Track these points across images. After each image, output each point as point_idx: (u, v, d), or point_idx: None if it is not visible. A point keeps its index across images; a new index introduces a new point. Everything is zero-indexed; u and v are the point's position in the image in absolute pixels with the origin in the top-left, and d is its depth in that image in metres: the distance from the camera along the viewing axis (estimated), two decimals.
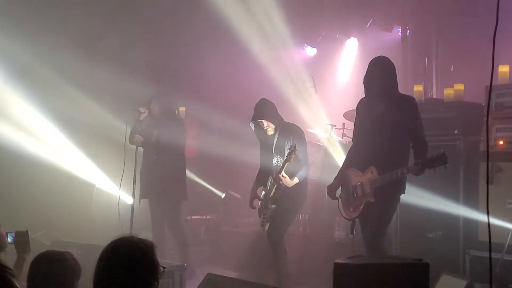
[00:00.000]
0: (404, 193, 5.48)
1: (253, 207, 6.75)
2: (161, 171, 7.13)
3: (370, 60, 5.65)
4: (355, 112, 5.93)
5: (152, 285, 2.67)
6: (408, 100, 5.56)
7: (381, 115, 5.41)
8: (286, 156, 6.21)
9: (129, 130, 7.11)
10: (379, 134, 5.41)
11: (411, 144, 5.42)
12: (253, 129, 6.77)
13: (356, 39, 10.13)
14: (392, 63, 5.53)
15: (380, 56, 5.64)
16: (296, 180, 6.40)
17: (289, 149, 6.22)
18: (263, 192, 6.69)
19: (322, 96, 9.63)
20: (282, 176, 6.27)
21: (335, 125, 8.63)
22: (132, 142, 7.11)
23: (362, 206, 5.42)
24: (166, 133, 7.13)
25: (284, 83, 9.86)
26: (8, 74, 8.62)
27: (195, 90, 10.45)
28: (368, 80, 5.51)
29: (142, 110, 7.11)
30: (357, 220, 5.62)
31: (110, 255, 2.68)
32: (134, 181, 6.88)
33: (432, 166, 4.94)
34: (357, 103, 5.84)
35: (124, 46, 9.76)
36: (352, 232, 5.57)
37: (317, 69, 10.09)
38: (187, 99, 10.04)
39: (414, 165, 5.10)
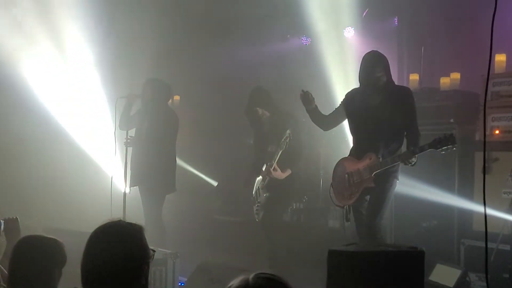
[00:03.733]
0: (398, 179, 5.49)
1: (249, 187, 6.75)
2: (150, 160, 6.94)
3: (365, 50, 5.68)
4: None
5: (142, 268, 2.62)
6: (404, 91, 5.63)
7: (378, 106, 5.47)
8: (281, 144, 6.19)
9: (118, 117, 7.00)
10: (375, 124, 5.44)
11: (405, 133, 5.45)
12: (248, 117, 6.75)
13: (352, 28, 10.07)
14: (385, 57, 5.57)
15: (373, 50, 5.69)
16: (288, 172, 6.40)
17: (284, 137, 6.20)
18: (257, 180, 6.67)
19: (317, 85, 9.59)
20: (273, 169, 6.28)
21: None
22: (122, 127, 7.01)
23: (359, 193, 5.44)
24: (157, 122, 6.97)
25: (280, 72, 9.82)
26: None
27: (190, 78, 10.40)
28: (364, 73, 5.52)
29: (133, 96, 6.96)
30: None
31: (97, 239, 2.64)
32: (126, 168, 6.79)
33: (440, 146, 4.94)
34: (349, 91, 5.85)
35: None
36: (347, 220, 5.57)
37: (312, 59, 10.05)
38: (183, 87, 10.01)
39: (420, 147, 5.11)
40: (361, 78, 5.59)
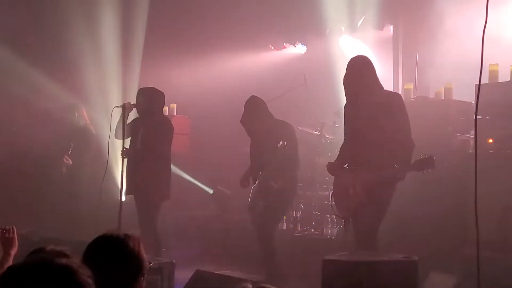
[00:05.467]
0: (395, 189, 5.50)
1: (245, 185, 6.82)
2: (144, 169, 6.94)
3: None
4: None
5: (138, 280, 2.65)
6: (394, 97, 5.54)
7: (369, 115, 5.40)
8: (276, 153, 6.23)
9: (113, 126, 7.00)
10: (368, 135, 5.41)
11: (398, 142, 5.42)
12: (244, 126, 6.78)
13: (348, 37, 10.12)
14: (371, 61, 5.51)
15: (357, 55, 5.63)
16: (282, 181, 6.43)
17: (279, 146, 6.23)
18: (253, 189, 6.70)
19: (312, 94, 9.63)
20: (269, 178, 6.32)
21: (325, 123, 8.62)
22: (118, 136, 7.01)
23: (354, 205, 5.44)
24: (152, 131, 6.97)
25: (275, 80, 9.86)
26: None
27: (187, 86, 10.44)
28: (349, 81, 5.48)
29: (127, 105, 6.95)
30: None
31: (95, 250, 2.66)
32: (122, 177, 6.79)
33: (419, 169, 4.97)
34: (344, 104, 5.84)
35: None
36: (346, 230, 5.59)
37: (307, 67, 10.09)
38: (179, 95, 10.05)
39: (402, 169, 5.13)
40: (344, 83, 5.56)
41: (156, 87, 7.20)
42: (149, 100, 7.00)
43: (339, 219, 6.06)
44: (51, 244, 3.43)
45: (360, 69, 5.42)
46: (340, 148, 5.89)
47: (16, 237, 4.01)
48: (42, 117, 9.21)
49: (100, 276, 2.58)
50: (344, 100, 5.85)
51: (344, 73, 5.49)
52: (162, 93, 7.15)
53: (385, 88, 5.62)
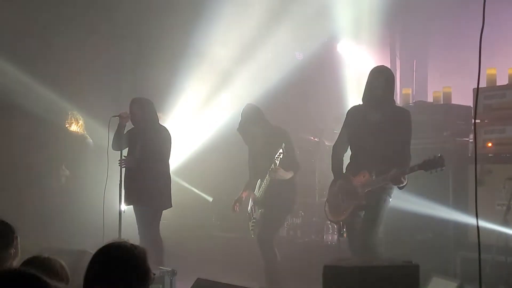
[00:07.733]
0: (391, 197, 5.50)
1: (235, 211, 6.88)
2: (144, 178, 6.88)
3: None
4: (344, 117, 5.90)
5: None
6: (404, 113, 5.58)
7: (378, 124, 5.42)
8: (274, 160, 6.22)
9: (111, 136, 6.97)
10: (373, 142, 5.42)
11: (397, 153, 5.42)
12: (241, 134, 6.78)
13: (345, 43, 10.13)
14: (393, 74, 5.53)
15: (382, 65, 5.64)
16: (290, 173, 6.42)
17: (278, 152, 6.23)
18: (252, 197, 6.70)
19: (311, 101, 9.64)
20: (277, 168, 6.27)
21: (324, 129, 8.64)
22: (114, 147, 6.99)
23: (351, 209, 5.44)
24: (150, 141, 6.92)
25: (273, 87, 9.86)
26: None
27: (186, 94, 10.45)
28: (371, 88, 5.47)
29: (124, 115, 6.92)
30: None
31: (101, 260, 2.64)
32: (120, 187, 6.76)
33: (429, 168, 4.96)
34: (349, 108, 5.82)
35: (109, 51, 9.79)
36: (340, 235, 5.59)
37: (305, 73, 10.10)
38: (178, 103, 10.06)
39: (410, 168, 5.13)
40: (365, 92, 5.55)
41: (155, 95, 7.20)
42: (144, 110, 6.97)
43: (333, 224, 6.04)
44: (49, 253, 3.43)
45: (386, 81, 5.42)
46: (334, 155, 5.84)
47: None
48: (42, 125, 9.22)
49: (105, 284, 2.58)
50: (343, 103, 5.86)
51: (369, 80, 5.47)
52: (154, 103, 7.15)
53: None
